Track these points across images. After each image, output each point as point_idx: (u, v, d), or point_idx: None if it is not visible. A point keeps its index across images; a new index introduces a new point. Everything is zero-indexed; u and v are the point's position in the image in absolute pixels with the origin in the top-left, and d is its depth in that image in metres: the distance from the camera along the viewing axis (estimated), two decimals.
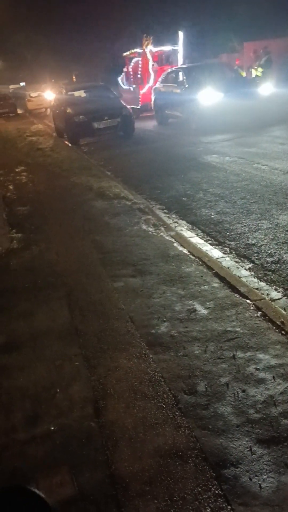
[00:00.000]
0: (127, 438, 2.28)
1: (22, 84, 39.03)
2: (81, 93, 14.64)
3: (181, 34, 17.56)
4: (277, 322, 3.13)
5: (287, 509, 1.81)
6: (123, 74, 20.27)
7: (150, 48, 17.34)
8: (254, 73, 15.90)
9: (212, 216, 5.68)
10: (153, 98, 15.39)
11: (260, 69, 15.41)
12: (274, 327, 3.09)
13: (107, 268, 4.39)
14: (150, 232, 5.33)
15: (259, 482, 1.95)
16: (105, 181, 8.08)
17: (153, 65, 17.42)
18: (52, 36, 40.33)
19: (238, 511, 1.83)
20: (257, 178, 6.97)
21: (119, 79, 20.53)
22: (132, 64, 19.05)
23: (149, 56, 17.31)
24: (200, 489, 1.95)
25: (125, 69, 20.10)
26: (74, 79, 37.54)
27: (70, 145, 13.06)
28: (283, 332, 3.02)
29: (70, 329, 3.38)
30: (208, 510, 1.85)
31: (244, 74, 16.06)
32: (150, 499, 1.94)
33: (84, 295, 3.89)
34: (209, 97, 11.71)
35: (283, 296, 3.56)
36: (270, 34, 20.51)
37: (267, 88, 12.65)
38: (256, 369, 2.67)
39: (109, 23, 34.14)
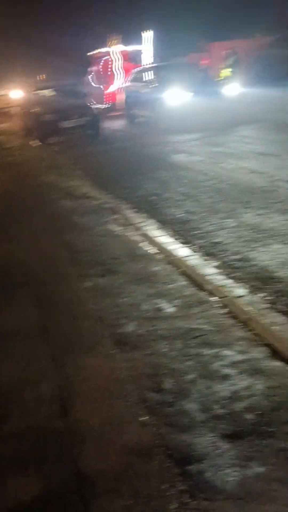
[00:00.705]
0: (94, 436, 2.29)
1: None
2: (49, 92, 14.52)
3: (149, 33, 17.62)
4: (241, 318, 3.19)
5: (251, 502, 1.85)
6: (92, 73, 20.18)
7: (118, 47, 17.34)
8: (222, 73, 16.12)
9: (180, 215, 5.73)
10: (122, 97, 15.39)
11: (228, 69, 15.63)
12: (239, 324, 3.15)
13: (76, 267, 4.38)
14: (118, 232, 5.33)
15: (223, 476, 1.98)
16: (74, 181, 8.04)
17: (121, 64, 17.42)
18: (20, 33, 39.71)
19: (203, 506, 1.87)
20: (224, 177, 7.07)
21: (89, 78, 20.43)
22: (101, 63, 18.98)
23: (117, 56, 17.32)
24: (165, 486, 1.97)
25: (91, 69, 20.01)
26: (43, 78, 37.09)
27: (39, 144, 12.91)
28: (247, 328, 3.08)
29: (38, 328, 3.36)
30: (173, 506, 1.88)
31: (223, 74, 16.23)
32: (116, 496, 1.95)
33: (53, 295, 3.86)
34: (177, 96, 11.82)
35: (248, 293, 3.63)
36: (237, 34, 20.82)
37: (235, 88, 12.85)
38: (221, 365, 2.72)
39: (78, 21, 33.92)
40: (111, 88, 17.16)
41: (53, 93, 14.46)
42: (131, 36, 19.40)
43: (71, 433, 2.32)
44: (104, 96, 17.20)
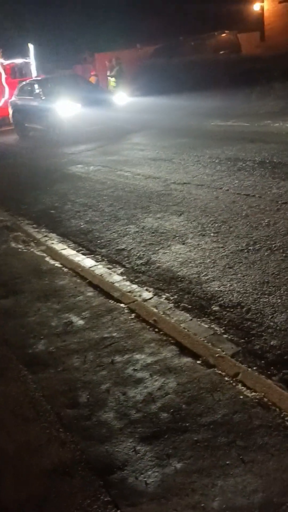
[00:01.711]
0: (11, 466, 2.20)
1: None
2: None
3: (31, 46, 17.40)
4: (150, 321, 3.27)
5: (172, 499, 1.90)
6: None
7: (1, 61, 16.89)
8: (110, 83, 16.42)
9: (82, 226, 5.72)
10: (10, 111, 14.98)
11: (113, 79, 15.95)
12: (148, 327, 3.23)
13: None
14: (20, 249, 5.18)
15: (145, 479, 2.02)
16: None
17: (6, 78, 16.99)
18: None
19: None
20: (121, 184, 7.20)
21: None
22: None
23: (1, 69, 16.85)
24: (89, 501, 1.95)
25: None
26: None
27: None
28: (156, 330, 3.16)
29: None
30: None
31: (93, 80, 16.45)
32: None
33: None
34: (67, 108, 11.77)
35: (154, 295, 3.73)
36: (119, 45, 21.37)
37: (122, 98, 13.14)
38: (134, 370, 2.76)
39: None
40: (2, 102, 16.66)
41: None
42: (14, 48, 19.01)
43: None
44: None
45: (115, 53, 19.01)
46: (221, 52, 17.43)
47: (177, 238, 4.80)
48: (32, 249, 5.15)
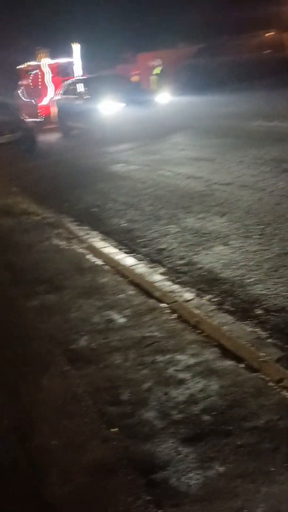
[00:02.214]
0: (56, 461, 2.24)
1: None
2: None
3: (76, 46, 17.67)
4: (191, 322, 3.26)
5: (214, 502, 1.89)
6: (22, 87, 19.90)
7: (46, 61, 17.25)
8: (151, 83, 16.46)
9: (123, 225, 5.76)
10: (54, 110, 15.29)
11: (155, 79, 15.98)
12: (190, 327, 3.21)
13: (20, 287, 4.27)
14: (62, 246, 5.27)
15: (187, 480, 2.01)
16: (11, 198, 7.86)
17: (51, 77, 17.33)
18: None
19: None
20: (162, 184, 7.21)
21: (19, 92, 20.11)
22: (31, 77, 18.78)
23: (46, 69, 17.22)
24: (132, 499, 1.96)
25: (22, 82, 19.75)
26: None
27: None
28: (198, 331, 3.15)
29: None
30: None
31: (135, 80, 16.48)
32: None
33: None
34: (109, 107, 11.90)
35: (196, 296, 3.71)
36: (161, 45, 21.36)
37: (165, 97, 13.14)
38: (176, 370, 2.76)
39: (3, 34, 33.26)
40: (44, 101, 17.02)
41: None
42: (58, 48, 19.37)
43: (31, 462, 2.25)
44: (38, 110, 17.03)
45: (157, 52, 19.05)
46: (265, 52, 17.12)
47: (219, 239, 4.75)
48: (74, 246, 5.23)
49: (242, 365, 2.72)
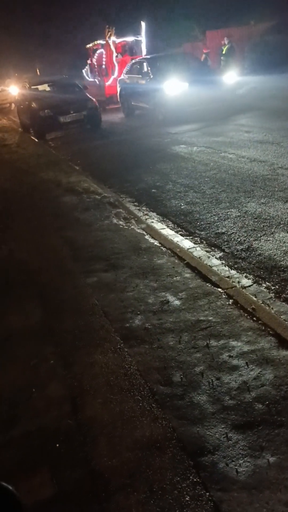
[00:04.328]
0: (106, 433, 2.30)
1: None
2: (45, 87, 14.39)
3: (143, 24, 17.44)
4: (248, 309, 3.19)
5: (263, 491, 1.86)
6: (87, 66, 20.05)
7: (113, 39, 17.18)
8: (219, 62, 15.99)
9: (182, 207, 5.71)
10: (118, 90, 15.28)
11: (222, 58, 15.49)
12: (246, 314, 3.15)
13: (79, 264, 4.37)
14: (121, 226, 5.32)
15: (236, 467, 1.99)
16: (74, 176, 8.01)
17: (117, 56, 17.28)
18: (14, 27, 39.29)
19: (216, 497, 1.87)
20: (224, 167, 7.04)
21: (84, 71, 20.30)
22: (96, 56, 18.85)
23: (113, 47, 17.16)
24: (178, 478, 1.98)
25: (89, 61, 19.89)
26: (38, 73, 36.85)
27: (36, 140, 12.86)
28: (254, 318, 3.07)
29: (43, 327, 3.36)
30: (187, 498, 1.89)
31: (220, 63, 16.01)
32: (130, 492, 1.96)
33: (57, 293, 3.86)
34: (174, 87, 11.71)
35: (254, 283, 3.62)
36: (231, 22, 20.62)
37: (231, 77, 12.73)
38: (230, 356, 2.72)
39: (71, 14, 33.59)
40: (109, 81, 17.04)
41: (49, 87, 14.31)
42: (126, 27, 19.25)
43: (82, 432, 2.32)
44: (105, 89, 17.09)
45: (227, 30, 18.42)
46: None
47: (281, 225, 4.59)
48: (132, 226, 5.26)
49: None
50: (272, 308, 3.20)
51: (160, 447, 2.15)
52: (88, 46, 20.04)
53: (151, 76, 12.90)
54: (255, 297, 3.36)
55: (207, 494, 1.89)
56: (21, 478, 2.10)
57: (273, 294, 3.40)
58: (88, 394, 2.59)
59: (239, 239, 4.48)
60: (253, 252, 4.15)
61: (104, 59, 17.64)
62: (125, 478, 2.03)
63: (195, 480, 1.96)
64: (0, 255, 4.85)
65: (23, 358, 3.01)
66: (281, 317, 3.06)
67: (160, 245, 4.61)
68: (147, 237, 4.88)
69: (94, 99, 13.29)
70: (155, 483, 1.98)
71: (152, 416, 2.35)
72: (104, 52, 17.64)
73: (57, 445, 2.27)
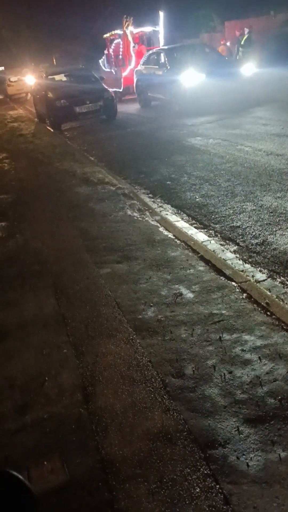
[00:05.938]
0: (117, 423, 2.31)
1: (1, 68, 38.13)
2: (62, 77, 14.38)
3: (161, 14, 17.28)
4: (262, 303, 3.16)
5: (274, 486, 1.85)
6: (104, 56, 19.96)
7: (130, 29, 17.06)
8: (238, 53, 15.78)
9: (197, 200, 5.68)
10: (135, 80, 15.20)
11: (240, 49, 15.28)
12: (259, 309, 3.13)
13: (93, 254, 4.38)
14: (135, 217, 5.31)
15: (247, 460, 1.99)
16: (89, 167, 8.01)
17: (134, 46, 17.16)
18: (31, 17, 39.28)
19: (227, 490, 1.87)
20: (241, 159, 6.97)
21: (100, 61, 20.22)
22: (113, 46, 18.75)
23: (130, 38, 17.04)
24: (189, 470, 1.98)
25: (106, 51, 19.79)
26: (55, 62, 36.83)
27: (52, 130, 12.88)
28: (268, 313, 3.05)
29: (57, 317, 3.38)
30: (197, 490, 1.89)
31: (223, 50, 15.79)
32: (140, 481, 1.97)
33: (70, 283, 3.88)
34: (191, 78, 11.60)
35: (268, 277, 3.59)
36: (250, 13, 20.31)
37: (249, 69, 12.56)
38: (242, 350, 2.71)
39: (89, 3, 33.43)
40: (126, 71, 16.94)
41: (66, 77, 14.29)
42: (144, 17, 19.07)
43: (94, 421, 2.34)
44: (122, 79, 17.00)
45: (246, 21, 18.14)
46: None
47: None
48: (146, 218, 5.25)
49: None
50: (286, 303, 3.17)
51: (171, 439, 2.16)
52: (105, 36, 19.93)
53: (168, 67, 12.80)
54: (269, 292, 3.34)
55: (217, 486, 1.89)
56: (33, 464, 2.12)
57: (287, 289, 3.37)
58: (100, 383, 2.60)
59: (254, 233, 4.44)
60: (268, 247, 4.12)
61: (121, 50, 17.53)
62: (135, 467, 2.04)
63: (205, 472, 1.96)
64: (16, 245, 4.89)
65: (36, 346, 3.04)
66: None
67: (174, 237, 4.60)
68: (161, 229, 4.86)
69: (110, 90, 13.24)
70: (165, 474, 1.99)
71: (164, 408, 2.35)
72: (121, 42, 17.53)
73: (69, 433, 2.29)
